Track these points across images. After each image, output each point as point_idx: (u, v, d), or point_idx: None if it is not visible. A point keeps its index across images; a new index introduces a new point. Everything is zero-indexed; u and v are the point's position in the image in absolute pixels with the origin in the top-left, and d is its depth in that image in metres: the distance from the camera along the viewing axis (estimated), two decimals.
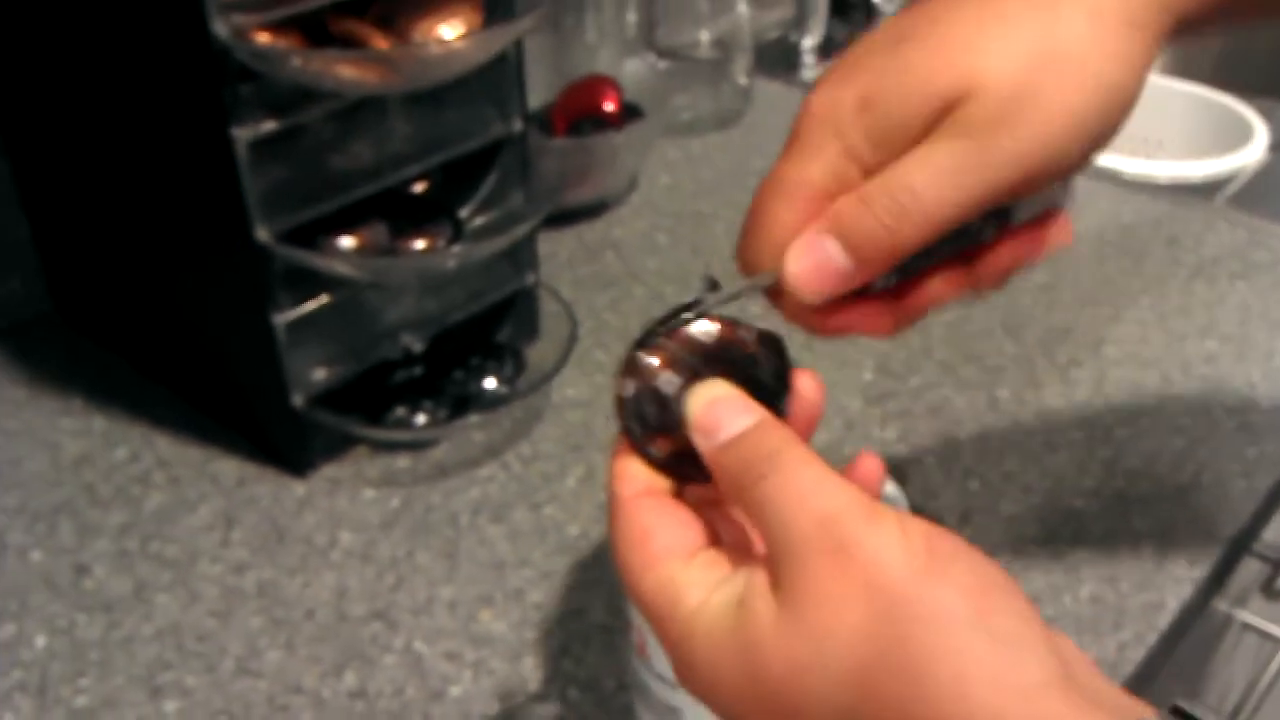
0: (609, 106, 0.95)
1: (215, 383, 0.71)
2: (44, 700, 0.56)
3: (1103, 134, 0.39)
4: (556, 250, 0.88)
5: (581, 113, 0.95)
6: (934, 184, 0.38)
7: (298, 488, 0.67)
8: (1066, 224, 0.43)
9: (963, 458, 0.69)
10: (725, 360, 0.38)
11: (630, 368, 0.38)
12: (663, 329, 0.39)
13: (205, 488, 0.67)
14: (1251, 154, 1.02)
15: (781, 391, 0.39)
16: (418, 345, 0.70)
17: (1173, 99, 1.16)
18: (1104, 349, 0.78)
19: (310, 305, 0.65)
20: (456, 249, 0.68)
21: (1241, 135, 1.07)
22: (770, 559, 0.33)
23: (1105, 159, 1.01)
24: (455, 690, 0.56)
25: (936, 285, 0.43)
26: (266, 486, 0.67)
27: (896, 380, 0.75)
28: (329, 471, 0.68)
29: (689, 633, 0.34)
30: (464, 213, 0.72)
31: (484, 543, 0.64)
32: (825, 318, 0.42)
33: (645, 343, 0.39)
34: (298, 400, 0.66)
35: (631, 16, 1.05)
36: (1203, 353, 0.78)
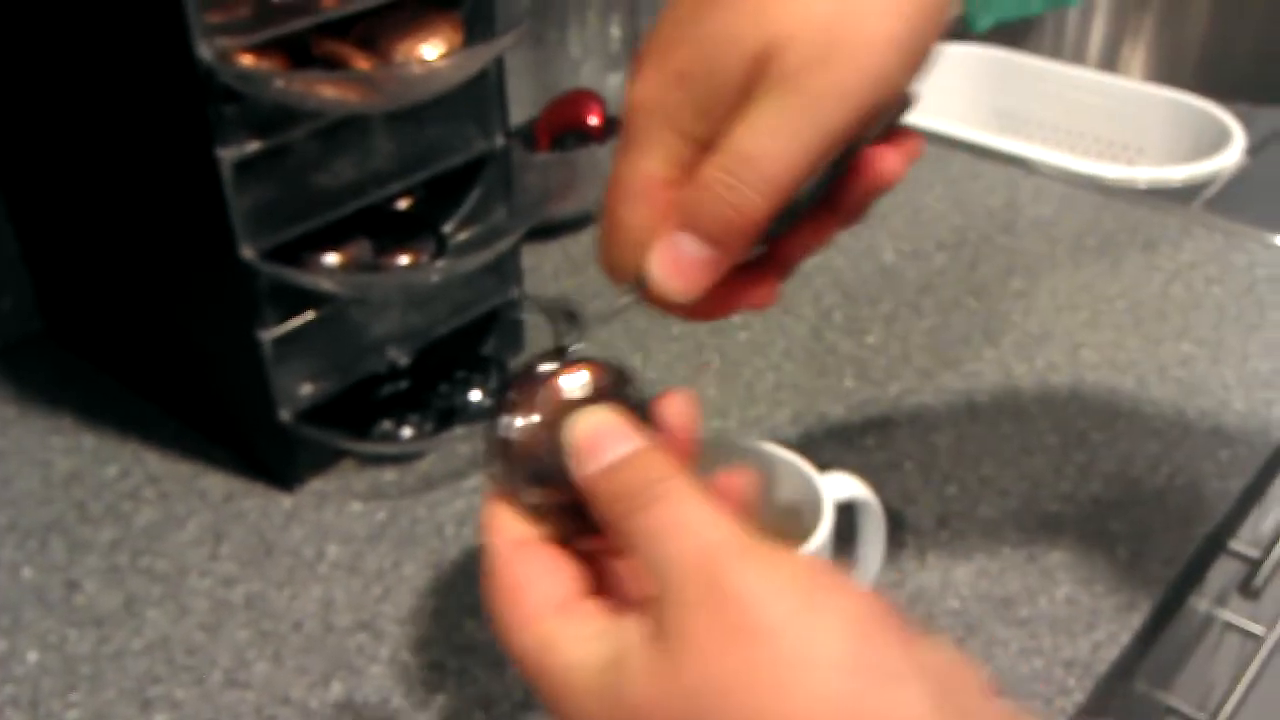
0: (592, 120, 0.96)
1: (203, 399, 0.72)
2: (36, 715, 0.57)
3: (923, 52, 0.37)
4: (541, 263, 0.89)
5: (565, 126, 0.96)
6: (767, 146, 0.36)
7: (285, 501, 0.68)
8: (912, 134, 0.42)
9: (941, 463, 0.70)
10: (600, 399, 0.38)
11: (504, 409, 0.38)
12: (534, 372, 0.38)
13: (194, 503, 0.68)
14: (1229, 158, 1.03)
15: (647, 417, 0.39)
16: (403, 359, 0.71)
17: (1153, 105, 1.17)
18: (1081, 353, 0.79)
19: (296, 321, 0.66)
20: (440, 264, 0.69)
21: (1220, 139, 1.08)
22: (649, 597, 0.32)
23: (1085, 165, 1.02)
24: (440, 699, 0.57)
25: (804, 235, 0.41)
26: (255, 500, 0.68)
27: (876, 387, 0.76)
28: (316, 485, 0.69)
29: (565, 690, 0.33)
30: (447, 228, 0.73)
31: (469, 554, 0.65)
32: (709, 303, 0.40)
33: (516, 386, 0.38)
34: (285, 415, 0.66)
35: (615, 30, 1.06)
36: (1178, 356, 0.79)
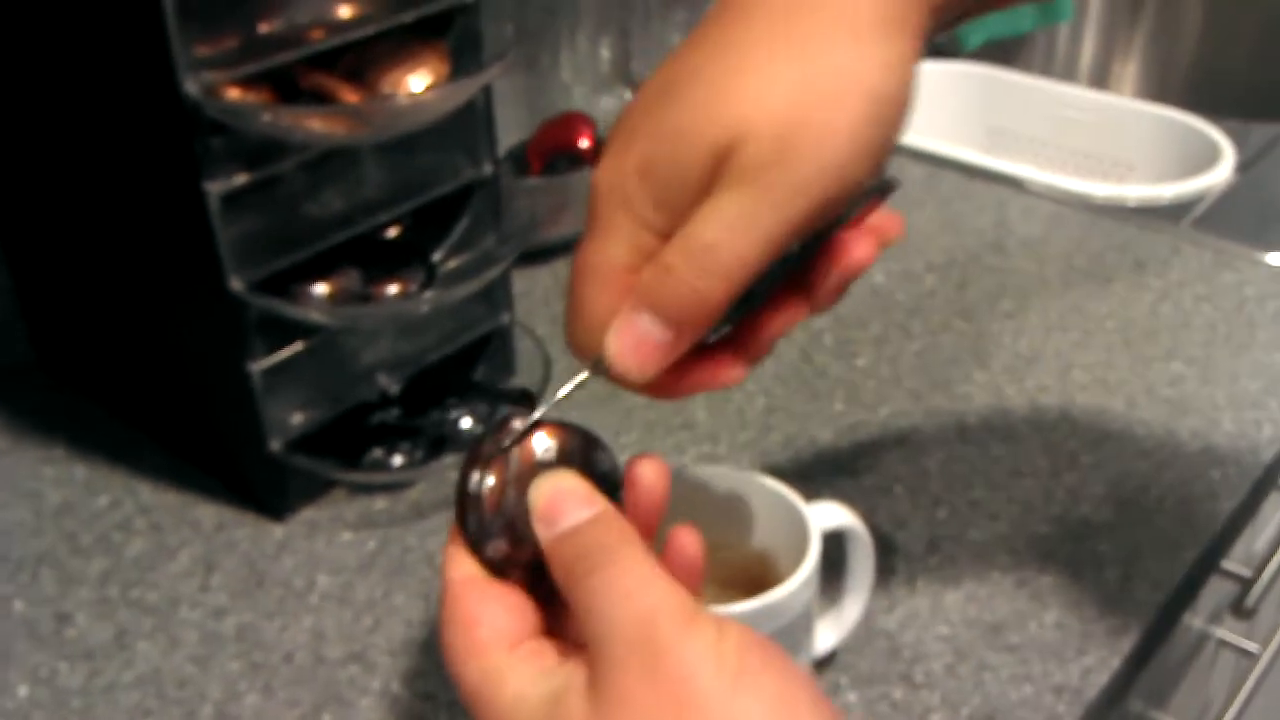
0: (584, 143, 0.96)
1: (194, 429, 0.72)
2: None
3: (882, 144, 0.38)
4: (533, 287, 0.89)
5: (557, 149, 0.96)
6: (727, 236, 0.37)
7: (276, 531, 0.68)
8: (892, 217, 0.43)
9: (931, 486, 0.70)
10: (567, 462, 0.40)
11: (473, 466, 0.40)
12: (505, 431, 0.40)
13: (185, 533, 0.68)
14: (1219, 175, 1.04)
15: (615, 490, 0.41)
16: (394, 387, 0.72)
17: (1143, 122, 1.17)
18: (1071, 374, 0.79)
19: (285, 352, 0.66)
20: (429, 294, 0.69)
21: (1210, 156, 1.08)
22: (590, 655, 0.34)
23: (1075, 183, 1.03)
24: None
25: (774, 318, 0.42)
26: (245, 531, 0.68)
27: (867, 410, 0.77)
28: (307, 514, 0.69)
29: None
30: (437, 256, 0.73)
31: None
32: (674, 382, 0.41)
33: (487, 443, 0.40)
34: (275, 445, 0.67)
35: (605, 53, 1.07)
36: (1168, 375, 0.79)
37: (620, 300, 0.39)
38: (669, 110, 0.38)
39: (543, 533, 0.37)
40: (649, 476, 0.41)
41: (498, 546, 0.39)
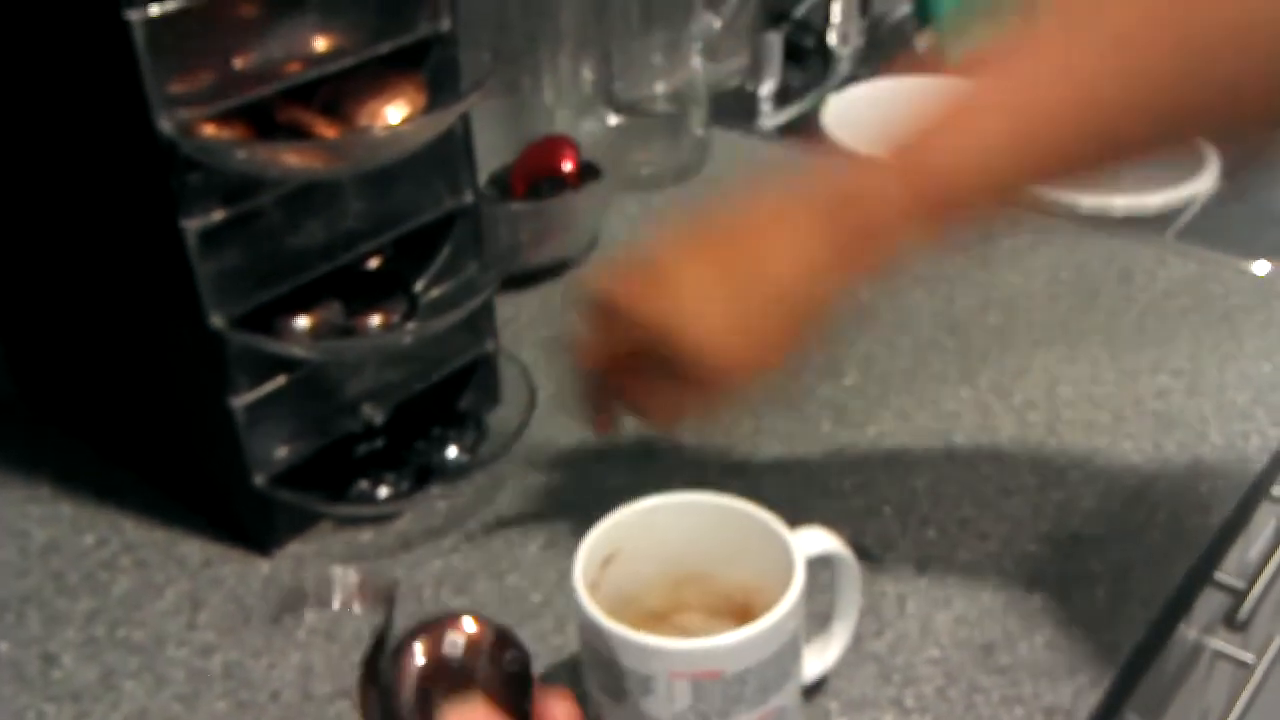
0: (567, 166, 0.96)
1: (178, 465, 0.71)
2: None
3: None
4: (519, 313, 0.89)
5: (540, 173, 0.96)
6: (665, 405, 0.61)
7: (263, 566, 0.68)
8: None
9: (919, 506, 0.70)
10: (479, 659, 0.41)
11: (387, 667, 0.41)
12: (418, 630, 0.42)
13: (172, 570, 0.68)
14: (1203, 183, 1.04)
15: (526, 685, 0.42)
16: (379, 417, 0.71)
17: None
18: (1058, 389, 0.79)
19: (268, 386, 0.66)
20: (411, 325, 0.69)
21: (1194, 164, 1.08)
22: None
23: (1060, 194, 1.02)
24: None
25: None
26: (232, 566, 0.68)
27: (855, 430, 0.76)
28: (294, 548, 0.69)
29: None
30: (419, 285, 0.73)
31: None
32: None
33: (403, 644, 0.42)
34: (259, 480, 0.66)
35: (587, 74, 1.07)
36: (1154, 388, 0.79)
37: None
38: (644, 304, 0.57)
39: None
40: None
41: None
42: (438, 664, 0.40)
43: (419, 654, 0.41)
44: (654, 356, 0.57)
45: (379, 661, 0.41)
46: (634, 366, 0.60)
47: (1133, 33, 0.50)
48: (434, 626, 0.41)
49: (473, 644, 0.41)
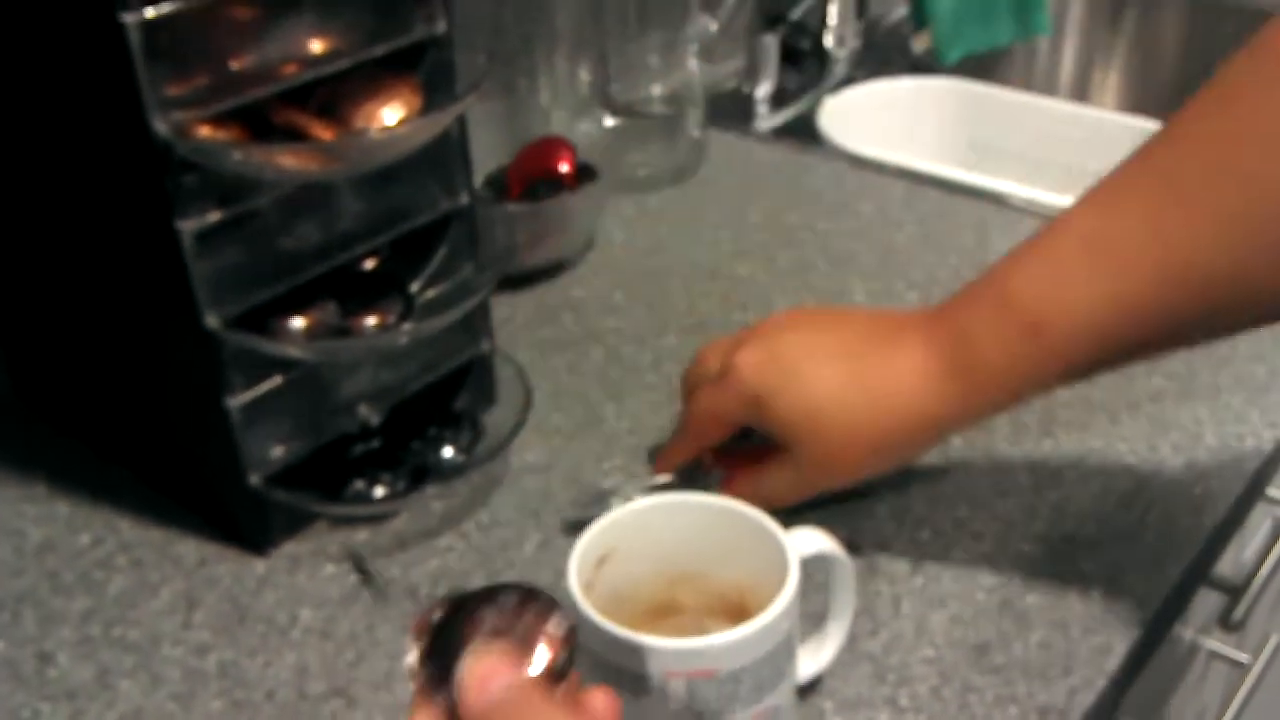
0: (563, 167, 0.96)
1: (174, 465, 0.71)
2: None
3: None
4: (514, 313, 0.89)
5: (536, 175, 0.96)
6: (777, 493, 0.64)
7: (258, 566, 0.68)
8: None
9: (914, 507, 0.70)
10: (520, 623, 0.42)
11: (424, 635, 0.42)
12: (454, 607, 0.42)
13: (167, 570, 0.68)
14: None
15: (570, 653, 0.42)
16: (375, 417, 0.71)
17: (1125, 134, 1.17)
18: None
19: (264, 386, 0.66)
20: (407, 326, 0.69)
21: None
22: None
23: (1056, 197, 1.03)
24: None
25: None
26: (227, 566, 0.68)
27: None
28: (289, 548, 0.69)
29: None
30: (415, 286, 0.73)
31: None
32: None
33: (444, 613, 0.42)
34: (255, 480, 0.66)
35: (584, 75, 1.07)
36: (1149, 390, 0.79)
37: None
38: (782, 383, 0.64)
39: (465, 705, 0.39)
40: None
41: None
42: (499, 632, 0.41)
43: (488, 621, 0.41)
44: (770, 445, 0.64)
45: (449, 625, 0.41)
46: (741, 447, 0.66)
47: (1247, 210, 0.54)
48: (501, 596, 0.42)
49: (518, 609, 0.42)
